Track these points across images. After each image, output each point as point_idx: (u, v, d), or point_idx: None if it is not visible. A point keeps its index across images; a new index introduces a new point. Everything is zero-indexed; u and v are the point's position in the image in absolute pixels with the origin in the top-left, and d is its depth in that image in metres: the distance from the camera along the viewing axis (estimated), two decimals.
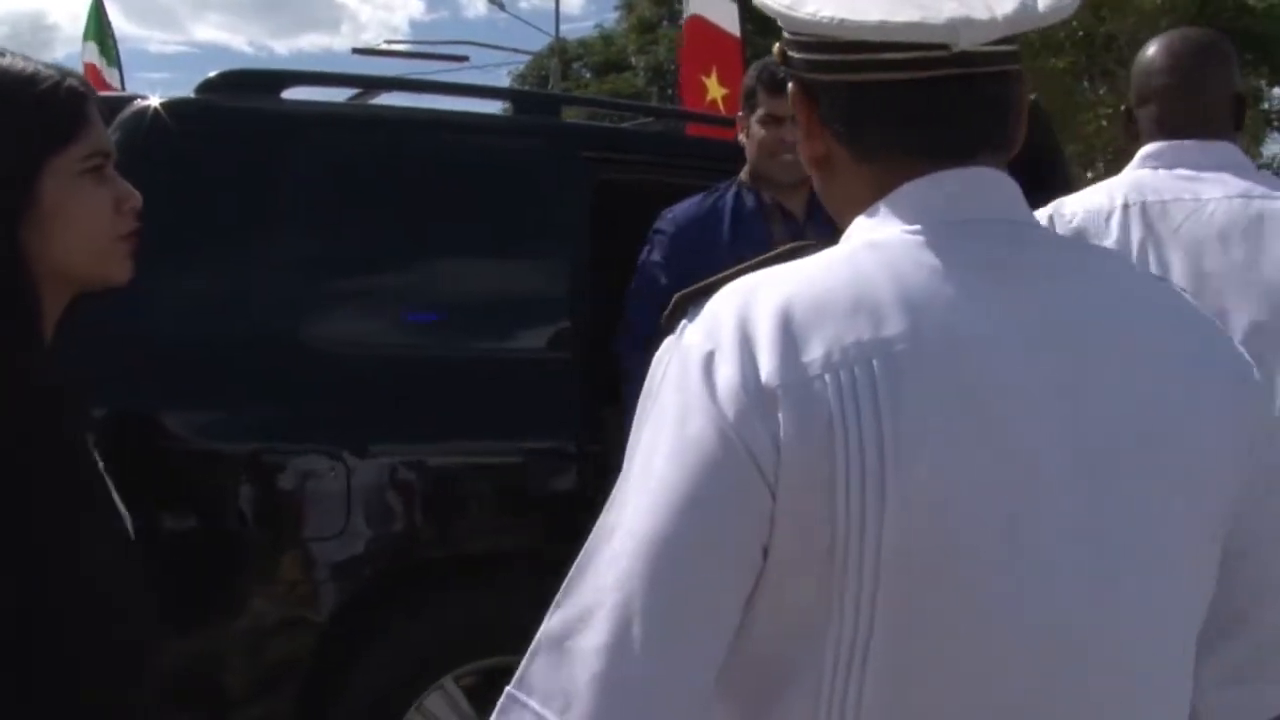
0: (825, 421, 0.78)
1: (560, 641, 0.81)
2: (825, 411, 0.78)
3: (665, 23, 29.82)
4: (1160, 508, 0.85)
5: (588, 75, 31.07)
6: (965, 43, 0.85)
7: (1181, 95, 1.98)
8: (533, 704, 0.81)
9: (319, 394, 2.67)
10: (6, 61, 1.16)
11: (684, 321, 0.87)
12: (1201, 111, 1.97)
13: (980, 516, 0.80)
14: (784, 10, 0.90)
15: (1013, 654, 0.81)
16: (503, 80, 31.21)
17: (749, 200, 2.79)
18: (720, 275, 0.90)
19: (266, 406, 2.63)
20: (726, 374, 0.81)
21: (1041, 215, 1.92)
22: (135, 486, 1.27)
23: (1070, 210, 1.94)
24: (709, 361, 0.82)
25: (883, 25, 0.85)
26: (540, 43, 36.56)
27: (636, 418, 0.87)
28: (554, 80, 24.12)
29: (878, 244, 0.87)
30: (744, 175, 2.86)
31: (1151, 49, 2.05)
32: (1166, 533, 0.86)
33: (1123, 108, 2.08)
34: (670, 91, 27.32)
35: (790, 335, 0.81)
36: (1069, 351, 0.85)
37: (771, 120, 2.74)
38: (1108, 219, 1.89)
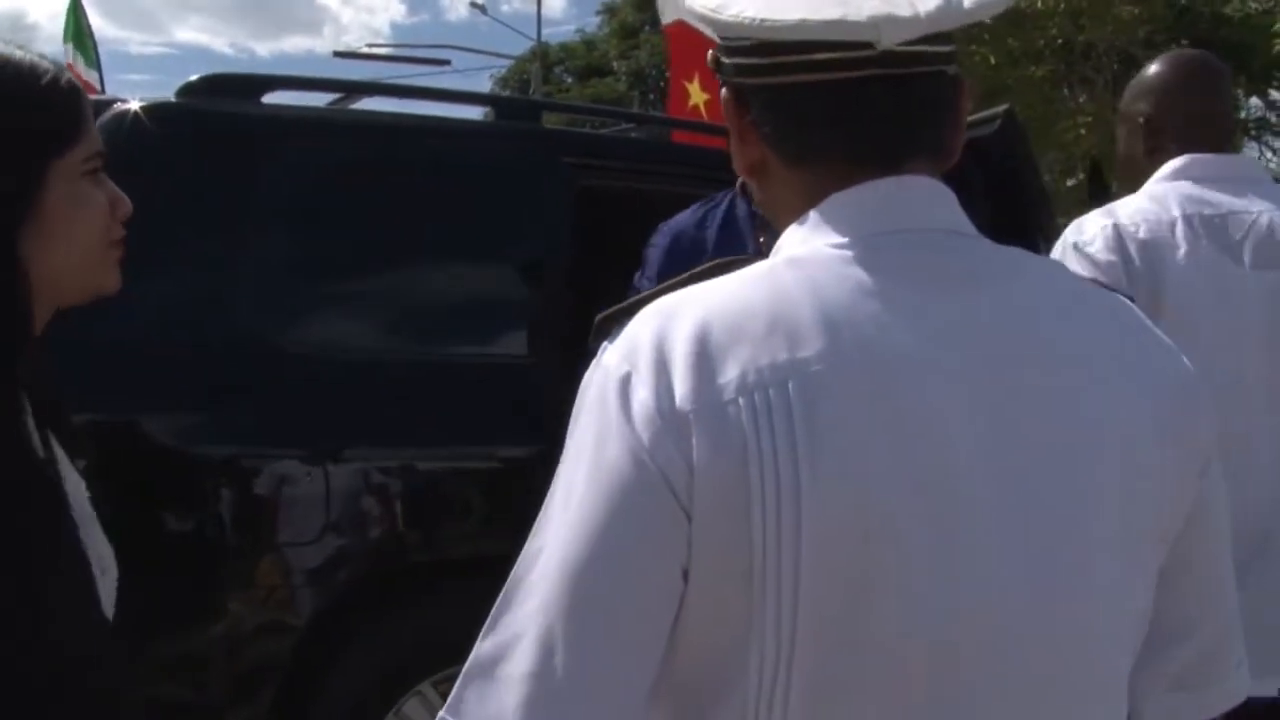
0: (739, 446, 0.77)
1: (488, 668, 0.81)
2: (739, 436, 0.78)
3: (647, 28, 29.88)
4: (1088, 521, 0.83)
5: (569, 80, 31.11)
6: (888, 40, 0.83)
7: (1205, 111, 2.06)
8: None
9: (300, 399, 2.66)
10: (7, 53, 1.09)
11: (605, 343, 0.86)
12: (1221, 126, 2.08)
13: (902, 537, 0.79)
14: (709, 13, 0.88)
15: (937, 672, 0.80)
16: (484, 83, 31.15)
17: (740, 208, 2.45)
18: (643, 294, 0.88)
19: (250, 411, 2.62)
20: (642, 397, 0.80)
21: (1099, 226, 1.94)
22: (111, 492, 1.25)
23: (1132, 221, 1.93)
24: (625, 384, 0.81)
25: (803, 24, 0.83)
26: (522, 46, 36.47)
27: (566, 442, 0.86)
28: (536, 84, 24.11)
29: (799, 260, 0.86)
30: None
31: (1166, 68, 2.10)
32: (1095, 546, 0.83)
33: (1141, 120, 2.07)
34: (652, 96, 27.39)
35: (705, 358, 0.80)
36: (996, 365, 0.83)
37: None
38: (1171, 230, 1.90)
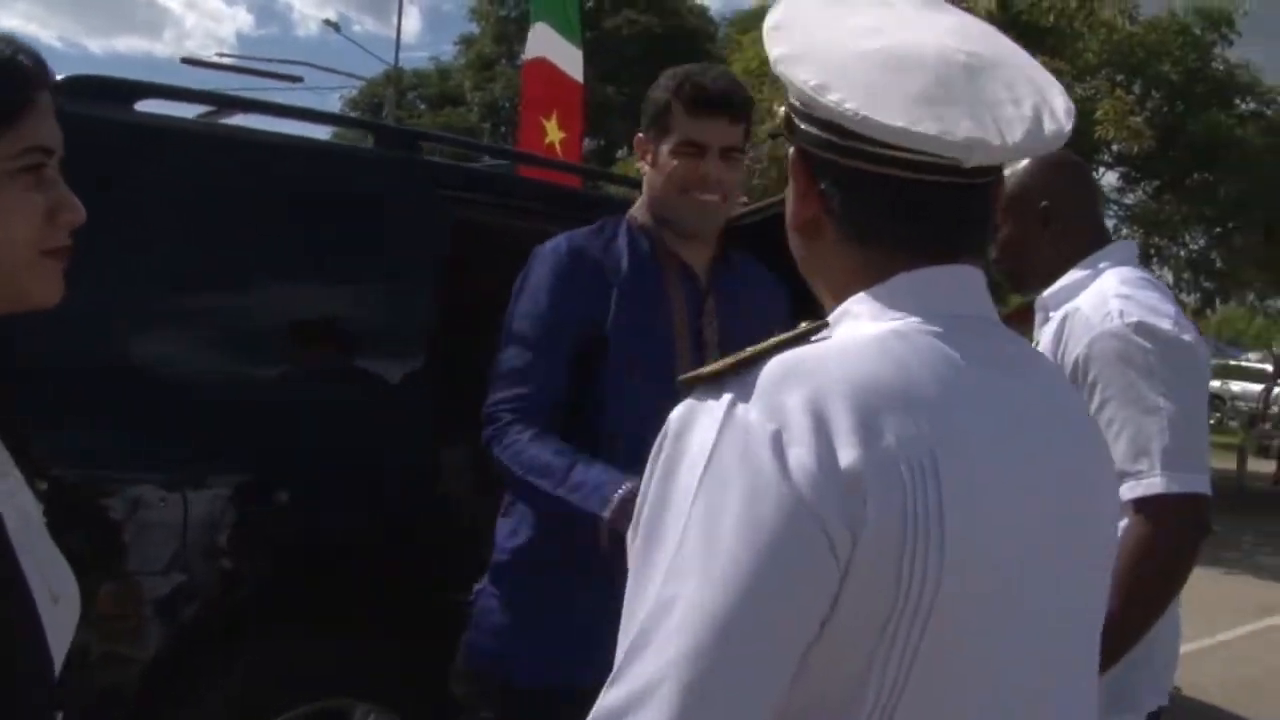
0: (900, 505, 0.84)
1: (620, 716, 0.83)
2: (900, 496, 0.84)
3: (504, 61, 29.87)
4: (1092, 578, 1.02)
5: (422, 106, 30.79)
6: (974, 163, 0.93)
7: (1094, 204, 2.28)
8: None
9: (157, 420, 2.55)
10: None
11: (728, 395, 0.88)
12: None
13: (998, 590, 0.90)
14: (808, 91, 0.93)
15: (1007, 701, 0.93)
16: (334, 103, 30.58)
17: (643, 245, 2.18)
18: (739, 357, 0.91)
19: (103, 431, 2.49)
20: (799, 455, 0.84)
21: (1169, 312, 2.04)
22: None
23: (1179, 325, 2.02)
24: (777, 441, 0.84)
25: (904, 132, 0.90)
26: (374, 68, 35.99)
27: (663, 482, 0.89)
28: (389, 108, 23.80)
29: (902, 334, 0.93)
30: (638, 213, 2.23)
31: (1055, 164, 2.19)
32: (1095, 593, 1.03)
33: (1042, 204, 2.16)
34: (503, 129, 27.34)
35: (865, 422, 0.85)
36: (1039, 442, 0.95)
37: (691, 149, 2.12)
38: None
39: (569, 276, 2.11)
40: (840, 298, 1.00)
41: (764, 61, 10.55)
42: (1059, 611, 0.97)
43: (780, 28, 1.00)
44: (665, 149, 2.15)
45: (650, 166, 2.19)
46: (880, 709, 0.87)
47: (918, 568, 0.84)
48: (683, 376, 0.93)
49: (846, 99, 0.91)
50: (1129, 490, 1.89)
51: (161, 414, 2.57)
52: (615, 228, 2.22)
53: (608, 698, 0.85)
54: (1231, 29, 14.74)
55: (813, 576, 0.84)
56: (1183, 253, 15.82)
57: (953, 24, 1.02)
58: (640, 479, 1.65)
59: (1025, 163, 2.16)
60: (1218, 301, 17.45)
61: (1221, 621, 7.20)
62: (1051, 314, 2.12)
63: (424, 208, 2.94)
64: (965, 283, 0.99)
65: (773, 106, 12.79)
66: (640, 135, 2.22)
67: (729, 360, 0.91)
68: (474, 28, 31.54)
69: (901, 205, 0.96)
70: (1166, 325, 1.98)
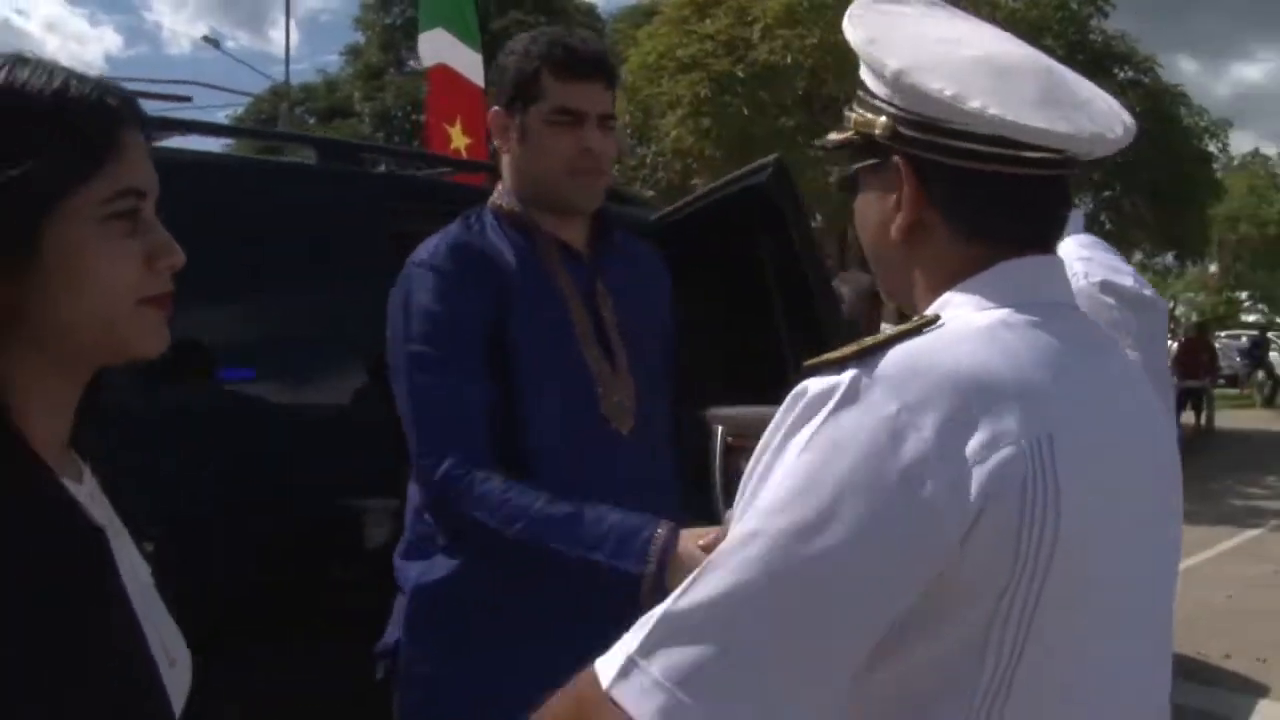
0: (1019, 486, 0.89)
1: (689, 622, 0.89)
2: (1020, 478, 0.89)
3: (393, 70, 29.58)
4: (1173, 549, 1.10)
5: (311, 120, 30.30)
6: (1095, 155, 1.02)
7: None
8: (660, 678, 0.89)
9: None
10: (21, 73, 0.91)
11: (852, 372, 0.92)
12: None
13: (1107, 566, 0.96)
14: (948, 100, 0.98)
15: (1122, 665, 0.99)
16: (222, 122, 29.91)
17: (518, 234, 1.94)
18: (863, 344, 0.95)
19: None
20: (918, 437, 0.89)
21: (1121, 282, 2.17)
22: None
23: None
24: (896, 420, 0.89)
25: (1045, 132, 0.98)
26: (255, 83, 35.26)
27: (783, 439, 0.94)
28: (284, 124, 23.37)
29: (1009, 323, 0.99)
30: (503, 199, 1.98)
31: None
32: (1175, 564, 1.11)
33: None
34: (397, 139, 27.06)
35: (982, 408, 0.90)
36: (1132, 420, 1.03)
37: (567, 117, 1.90)
38: None
39: (460, 278, 1.85)
40: (939, 292, 1.05)
41: (661, 55, 10.71)
42: (1154, 584, 1.04)
43: (878, 41, 1.06)
44: (536, 121, 1.91)
45: (516, 144, 1.95)
46: (998, 678, 0.92)
47: (1033, 545, 0.89)
48: (807, 362, 0.97)
49: (989, 105, 0.97)
50: None
51: (104, 430, 2.51)
52: (481, 219, 1.97)
53: (671, 605, 0.90)
54: (1106, 2, 15.27)
55: (907, 550, 0.88)
56: None
57: (1003, 34, 1.12)
58: (645, 516, 1.65)
59: None
60: None
61: None
62: None
63: (370, 220, 2.93)
64: (1054, 271, 1.07)
65: (677, 98, 12.95)
66: (497, 110, 1.97)
67: (852, 347, 0.95)
68: (359, 37, 31.21)
69: (1009, 200, 1.03)
70: (1129, 282, 2.15)
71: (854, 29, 1.09)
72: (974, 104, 0.97)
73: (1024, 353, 0.96)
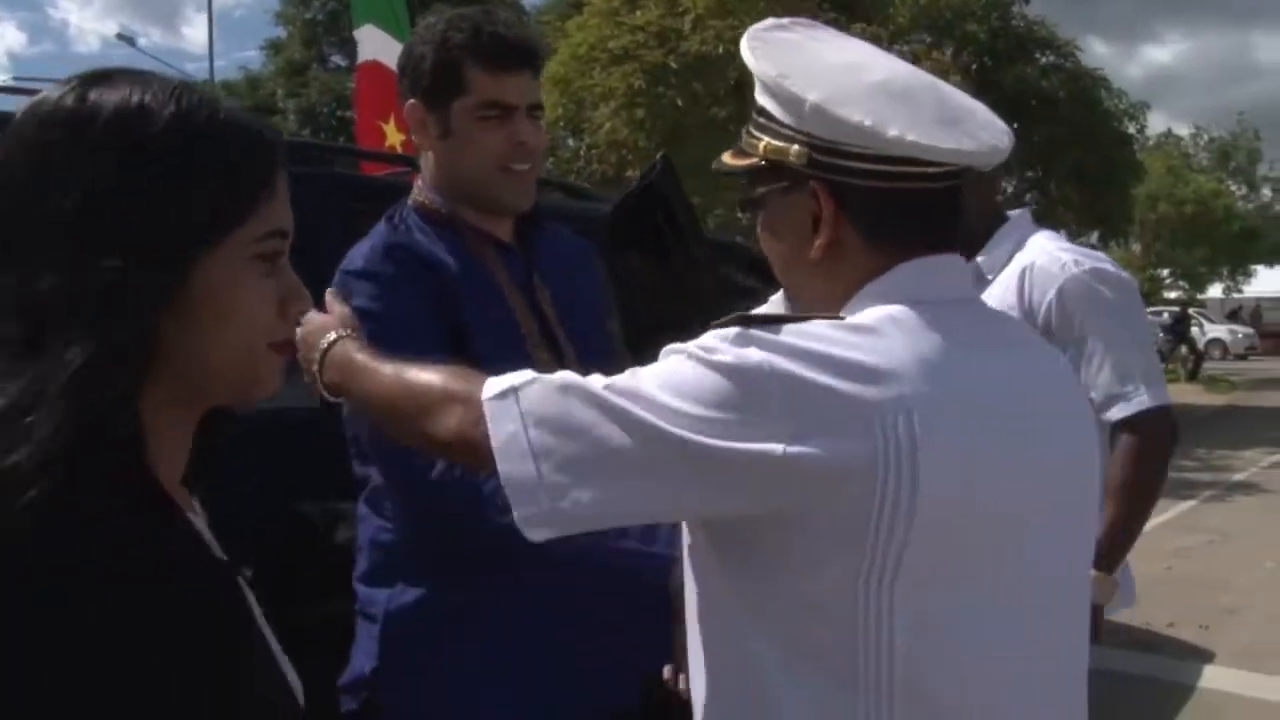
0: (870, 451, 1.00)
1: (580, 394, 1.06)
2: (871, 446, 1.00)
3: (316, 65, 29.16)
4: (1090, 500, 1.22)
5: None
6: (990, 165, 1.14)
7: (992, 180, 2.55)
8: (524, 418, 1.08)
9: None
10: (189, 101, 0.88)
11: (742, 329, 1.06)
12: None
13: (988, 529, 1.07)
14: (868, 129, 1.07)
15: (1005, 642, 1.09)
16: None
17: (447, 232, 1.81)
18: (789, 316, 1.09)
19: None
20: (784, 388, 1.01)
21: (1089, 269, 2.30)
22: None
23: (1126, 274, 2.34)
24: (768, 370, 1.02)
25: (955, 151, 1.09)
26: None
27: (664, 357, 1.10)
28: None
29: (896, 317, 1.08)
30: (425, 196, 1.84)
31: None
32: (1087, 546, 1.24)
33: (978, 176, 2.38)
34: (323, 135, 26.69)
35: (848, 382, 1.02)
36: (1030, 406, 1.12)
37: (495, 110, 1.78)
38: None
39: (401, 280, 1.72)
40: (850, 297, 1.14)
41: (592, 46, 10.72)
42: (1058, 561, 1.14)
43: (791, 75, 1.12)
44: (460, 115, 1.78)
45: (438, 139, 1.81)
46: (875, 621, 1.03)
47: (890, 498, 1.00)
48: (722, 320, 1.09)
49: (907, 133, 1.07)
50: (1121, 410, 2.23)
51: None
52: (405, 219, 1.84)
53: (570, 393, 1.08)
54: None
55: (738, 454, 1.00)
56: (1001, 198, 16.60)
57: (876, 49, 1.23)
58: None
59: None
60: None
61: None
62: (991, 275, 2.34)
63: (341, 222, 2.89)
64: (950, 269, 1.17)
65: (609, 90, 12.92)
66: (414, 103, 1.82)
67: (754, 314, 1.09)
68: (278, 32, 30.72)
69: (914, 210, 1.13)
70: (1112, 268, 2.31)
71: (759, 62, 1.15)
72: (892, 132, 1.07)
73: (900, 340, 1.05)
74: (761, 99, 1.16)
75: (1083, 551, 1.22)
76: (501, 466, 1.06)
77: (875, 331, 1.06)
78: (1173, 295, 31.06)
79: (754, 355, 1.02)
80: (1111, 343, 2.22)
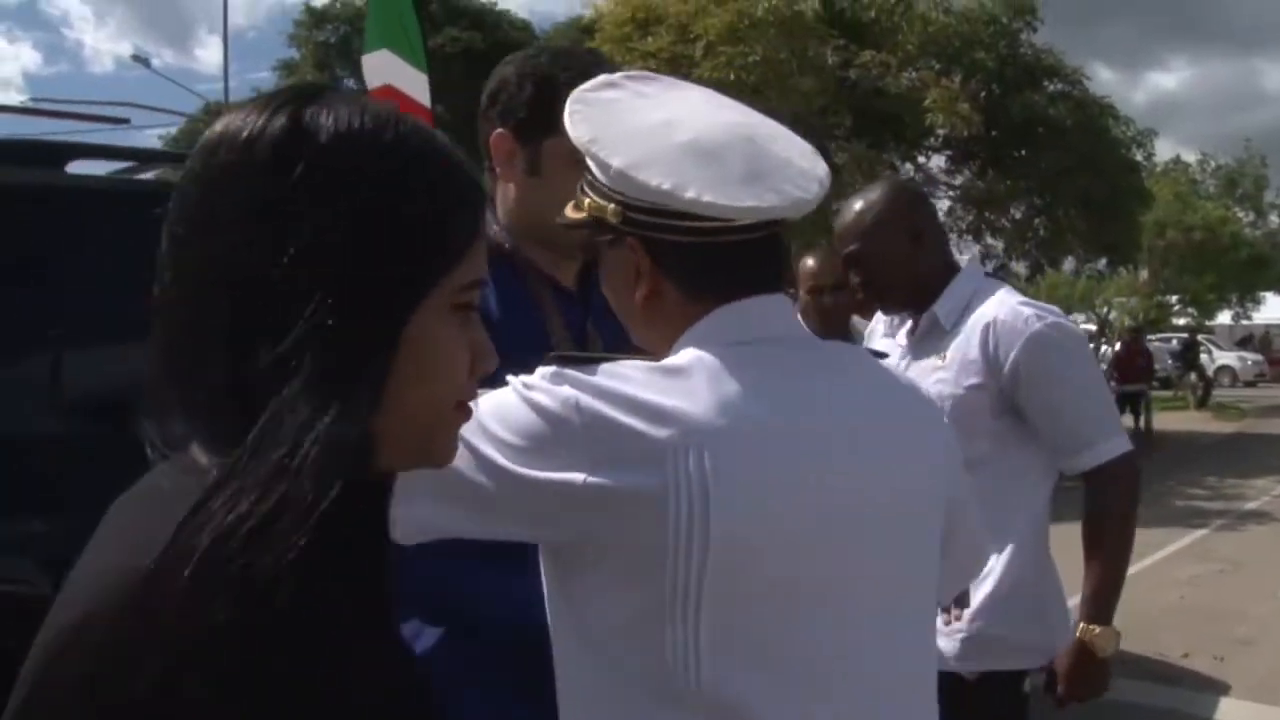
0: (661, 480, 1.07)
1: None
2: (663, 474, 1.07)
3: None
4: (923, 512, 1.26)
5: None
6: (798, 217, 1.19)
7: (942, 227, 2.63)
8: None
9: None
10: (411, 135, 0.80)
11: (558, 368, 1.13)
12: None
13: (794, 556, 1.12)
14: (665, 190, 1.14)
15: (827, 649, 1.15)
16: (153, 143, 29.48)
17: (508, 272, 1.74)
18: (595, 355, 1.18)
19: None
20: (585, 424, 1.09)
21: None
22: None
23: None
24: (566, 405, 1.09)
25: (754, 209, 1.15)
26: (185, 101, 34.74)
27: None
28: None
29: (703, 359, 1.15)
30: (497, 233, 1.77)
31: (916, 192, 2.70)
32: (920, 543, 1.27)
33: (912, 228, 2.41)
34: None
35: (644, 417, 1.09)
36: (847, 431, 1.18)
37: (575, 162, 1.58)
38: None
39: None
40: (677, 338, 1.22)
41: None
42: (885, 570, 1.21)
43: (599, 140, 1.19)
44: (551, 155, 1.69)
45: (524, 174, 1.74)
46: (684, 647, 1.09)
47: (684, 529, 1.06)
48: (549, 355, 1.16)
49: (704, 194, 1.13)
50: (1091, 459, 2.28)
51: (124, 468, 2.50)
52: None
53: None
54: (1035, 16, 15.62)
55: (556, 492, 1.08)
56: (1010, 225, 16.64)
57: (702, 98, 1.26)
58: None
59: (884, 192, 2.46)
60: (1046, 267, 18.39)
61: None
62: (950, 324, 2.40)
63: None
64: (770, 308, 1.22)
65: None
66: (502, 132, 1.74)
67: (572, 356, 1.17)
68: (291, 53, 30.86)
69: (729, 260, 1.19)
70: (1068, 323, 2.41)
71: (575, 127, 1.22)
72: (689, 194, 1.13)
73: (704, 381, 1.12)
74: (587, 160, 1.23)
75: (918, 557, 1.27)
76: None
77: (682, 373, 1.13)
78: (1181, 322, 31.01)
79: (565, 391, 1.10)
80: (1075, 394, 2.30)
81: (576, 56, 1.76)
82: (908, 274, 2.40)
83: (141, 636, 0.68)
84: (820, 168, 1.23)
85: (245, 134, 0.76)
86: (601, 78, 1.29)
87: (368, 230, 0.75)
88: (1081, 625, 2.27)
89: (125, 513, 0.81)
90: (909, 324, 2.49)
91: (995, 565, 2.29)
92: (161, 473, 0.79)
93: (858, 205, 2.43)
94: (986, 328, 2.31)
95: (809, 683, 1.14)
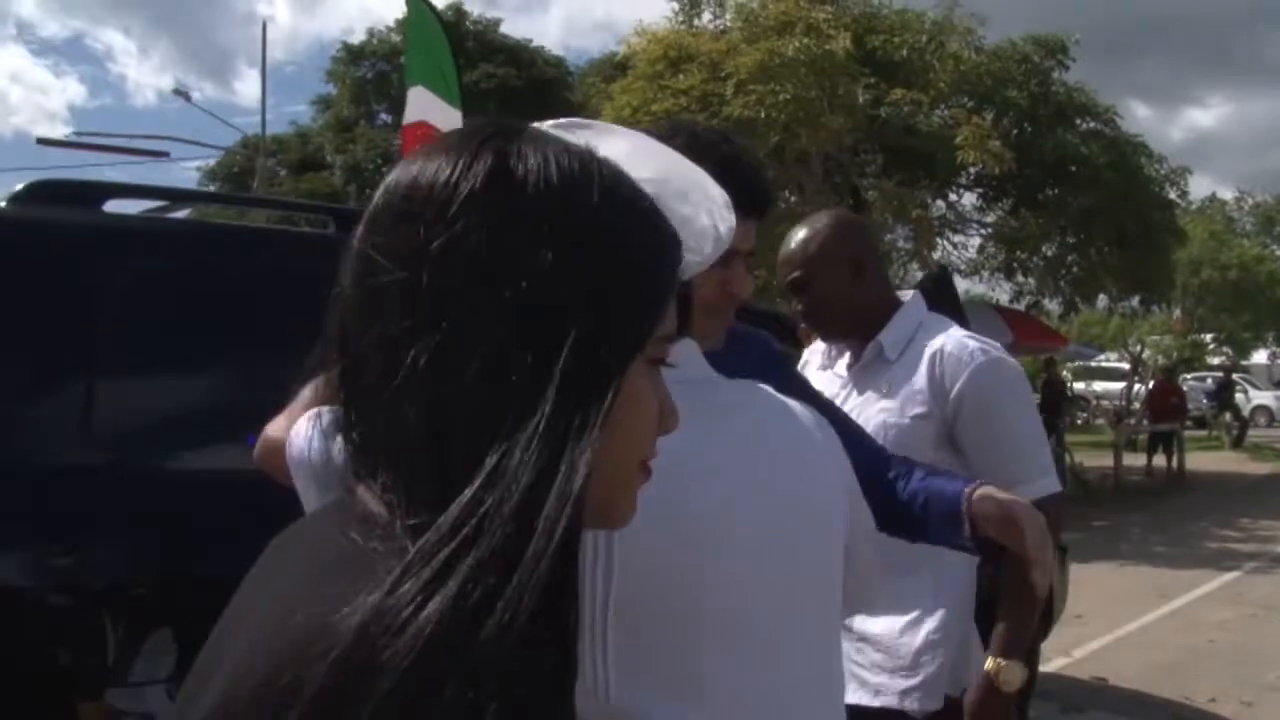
0: None
1: None
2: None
3: (363, 122, 29.70)
4: (814, 539, 1.38)
5: (283, 173, 30.37)
6: (692, 275, 1.12)
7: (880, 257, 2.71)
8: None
9: (152, 517, 2.55)
10: (619, 181, 0.78)
11: None
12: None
13: (691, 556, 1.25)
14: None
15: (727, 638, 1.26)
16: (191, 176, 29.91)
17: None
18: None
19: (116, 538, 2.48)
20: None
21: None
22: None
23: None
24: None
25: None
26: (223, 135, 35.24)
27: None
28: (260, 178, 23.37)
29: None
30: None
31: (856, 223, 2.66)
32: (819, 551, 1.38)
33: (853, 260, 2.42)
34: (368, 191, 27.11)
35: None
36: (755, 456, 1.33)
37: (726, 255, 1.49)
38: None
39: None
40: None
41: (636, 109, 10.84)
42: (785, 596, 1.31)
43: None
44: None
45: None
46: (591, 665, 1.18)
47: (592, 558, 1.17)
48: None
49: None
50: (1025, 492, 2.20)
51: (157, 499, 2.57)
52: None
53: None
54: (1066, 55, 15.64)
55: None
56: (1042, 263, 16.60)
57: (626, 148, 1.15)
58: None
59: (827, 224, 2.46)
60: (1079, 305, 18.32)
61: (1130, 611, 7.51)
62: (895, 354, 2.43)
63: None
64: (676, 353, 1.24)
65: None
66: None
67: None
68: (327, 88, 31.36)
69: None
70: (1010, 358, 2.45)
71: None
72: None
73: None
74: None
75: (815, 582, 1.38)
76: None
77: None
78: (1216, 361, 30.68)
79: None
80: (1009, 430, 2.33)
81: (713, 142, 1.59)
82: (849, 303, 2.42)
83: (358, 698, 0.61)
84: (724, 223, 1.19)
85: (450, 177, 0.73)
86: (531, 126, 1.26)
87: (602, 276, 0.72)
88: (990, 659, 2.21)
89: (308, 561, 0.74)
90: (847, 355, 2.52)
91: (926, 603, 2.33)
92: (337, 517, 0.74)
93: (801, 234, 2.45)
94: (934, 357, 2.35)
95: (714, 703, 1.25)
